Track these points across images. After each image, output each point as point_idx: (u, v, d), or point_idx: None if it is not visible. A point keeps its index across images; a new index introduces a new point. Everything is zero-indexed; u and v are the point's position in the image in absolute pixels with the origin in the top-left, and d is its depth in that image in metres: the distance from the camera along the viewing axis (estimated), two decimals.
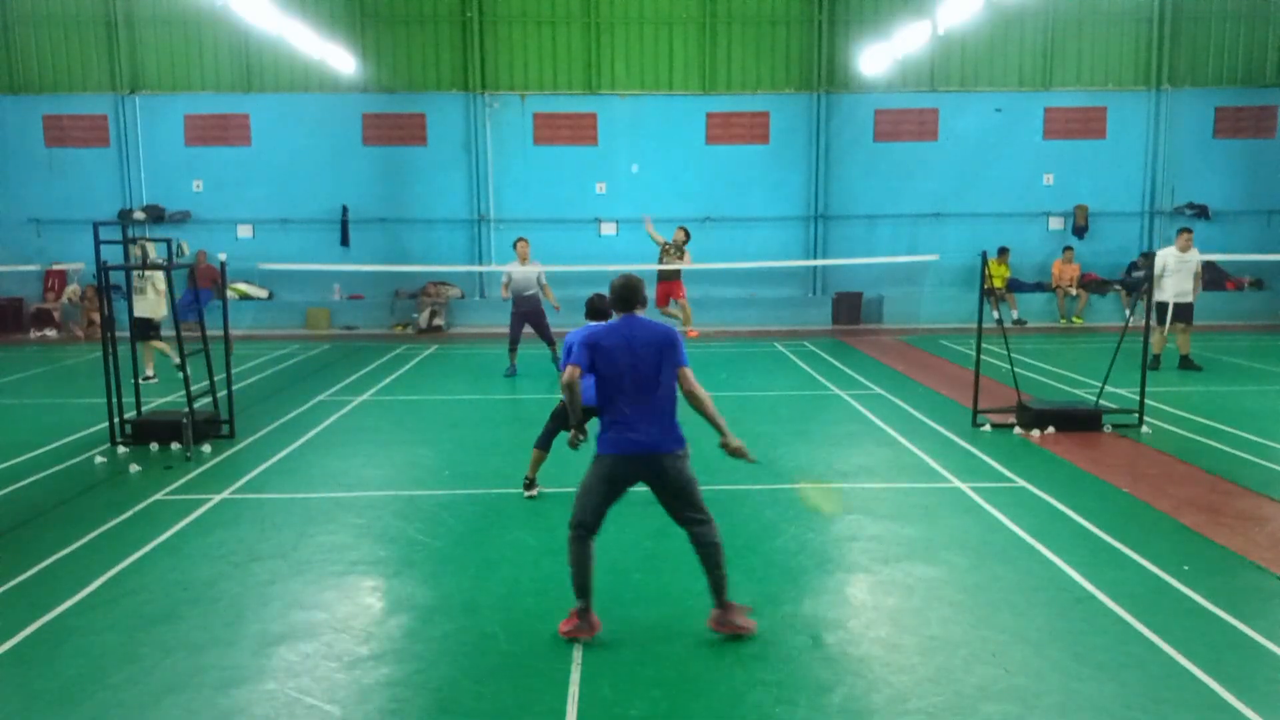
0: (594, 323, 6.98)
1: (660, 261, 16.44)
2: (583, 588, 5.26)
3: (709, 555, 5.32)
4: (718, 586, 5.31)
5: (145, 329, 12.36)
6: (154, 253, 11.73)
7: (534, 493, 7.94)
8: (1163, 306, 13.53)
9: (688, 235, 16.89)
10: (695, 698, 4.69)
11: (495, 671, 4.97)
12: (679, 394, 5.30)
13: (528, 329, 14.21)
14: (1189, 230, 13.81)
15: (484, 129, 21.23)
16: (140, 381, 11.47)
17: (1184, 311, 13.60)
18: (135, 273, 11.99)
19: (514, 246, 14.41)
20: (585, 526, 5.26)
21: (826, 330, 20.12)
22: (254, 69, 21.08)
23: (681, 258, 16.55)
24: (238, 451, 9.66)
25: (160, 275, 12.02)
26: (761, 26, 21.27)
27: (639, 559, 6.56)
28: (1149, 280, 11.50)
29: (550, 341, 14.02)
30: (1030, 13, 20.94)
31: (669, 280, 16.67)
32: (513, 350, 14.20)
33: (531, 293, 14.00)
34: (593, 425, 5.62)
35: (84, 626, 5.51)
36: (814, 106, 21.32)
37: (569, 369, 5.27)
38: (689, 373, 5.27)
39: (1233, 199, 21.69)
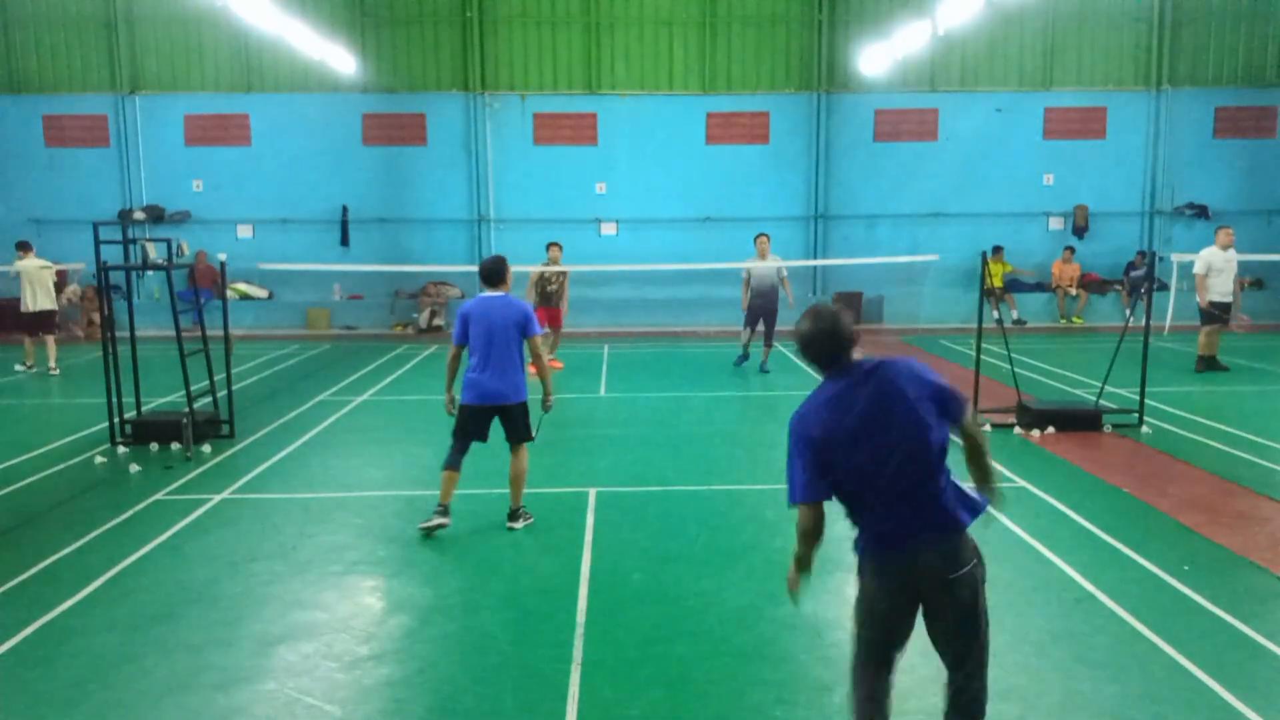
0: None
1: (546, 288, 14.39)
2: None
3: None
4: None
5: (37, 322, 14.64)
6: (154, 253, 11.74)
7: (444, 521, 6.96)
8: (1222, 307, 13.50)
9: (561, 250, 14.80)
10: (695, 698, 4.69)
11: (495, 671, 4.97)
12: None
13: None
14: (1229, 227, 13.73)
15: (484, 129, 21.22)
16: (19, 368, 14.68)
17: (1225, 310, 13.58)
18: (41, 269, 14.58)
19: (755, 241, 14.40)
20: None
21: None
22: (254, 69, 21.07)
23: (562, 283, 14.57)
24: (238, 451, 9.66)
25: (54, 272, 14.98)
26: (761, 26, 21.27)
27: (639, 559, 6.56)
28: (1150, 278, 11.48)
29: (769, 343, 14.25)
30: (1030, 13, 20.93)
31: (551, 308, 14.39)
32: (746, 342, 14.53)
33: (770, 286, 14.09)
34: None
35: (84, 626, 5.51)
36: (814, 106, 21.31)
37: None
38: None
39: (1233, 199, 21.68)
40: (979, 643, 3.71)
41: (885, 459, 3.39)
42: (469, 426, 7.04)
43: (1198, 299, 13.65)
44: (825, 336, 3.57)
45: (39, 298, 14.63)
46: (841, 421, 3.43)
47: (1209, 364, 13.76)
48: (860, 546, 3.61)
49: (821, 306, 3.68)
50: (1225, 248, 13.52)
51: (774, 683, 4.82)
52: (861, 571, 3.63)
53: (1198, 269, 13.64)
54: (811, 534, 3.56)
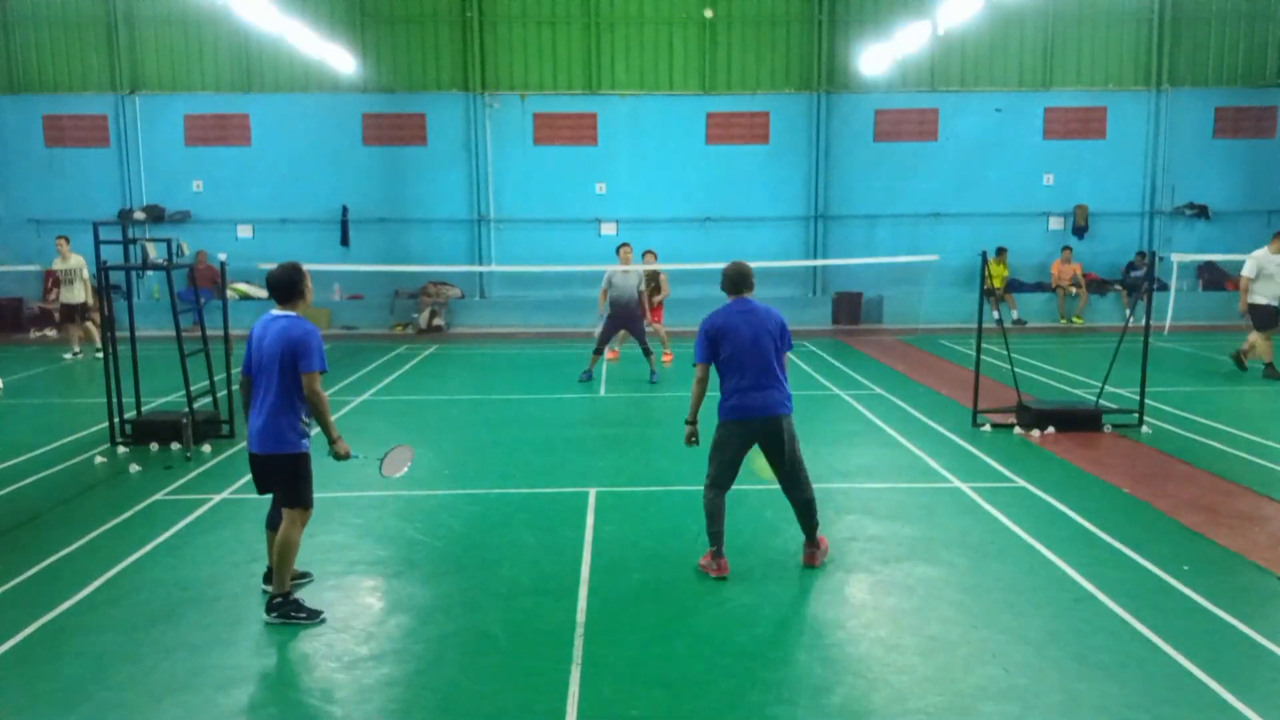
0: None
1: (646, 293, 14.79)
2: None
3: None
4: None
5: (73, 313, 16.07)
6: (154, 253, 11.75)
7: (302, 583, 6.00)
8: (1267, 311, 13.14)
9: (655, 257, 15.44)
10: (695, 698, 4.69)
11: (495, 671, 4.97)
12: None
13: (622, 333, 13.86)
14: None
15: (484, 129, 21.22)
16: (68, 356, 16.16)
17: (1271, 315, 13.19)
18: (65, 266, 15.91)
19: (616, 251, 13.92)
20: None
21: (826, 330, 20.12)
22: (254, 69, 21.07)
23: (659, 288, 15.26)
24: (238, 451, 9.65)
25: (86, 268, 15.75)
26: (761, 26, 21.27)
27: (639, 559, 6.56)
28: (1150, 278, 11.48)
29: (646, 350, 13.51)
30: (1030, 13, 20.93)
31: (655, 306, 15.35)
32: (598, 353, 13.57)
33: (630, 296, 13.39)
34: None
35: (84, 626, 5.51)
36: (814, 106, 21.31)
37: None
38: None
39: (1233, 199, 21.69)
40: (797, 471, 6.22)
41: (752, 348, 6.01)
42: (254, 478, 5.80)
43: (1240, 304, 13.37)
44: (741, 279, 6.23)
45: (80, 289, 16.06)
46: (734, 322, 6.07)
47: (1274, 371, 13.28)
48: (722, 405, 6.12)
49: (741, 263, 6.30)
50: (1277, 251, 13.17)
51: (774, 683, 4.83)
52: (721, 417, 6.13)
53: (1246, 270, 13.33)
54: (703, 382, 6.18)
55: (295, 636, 5.37)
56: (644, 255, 15.07)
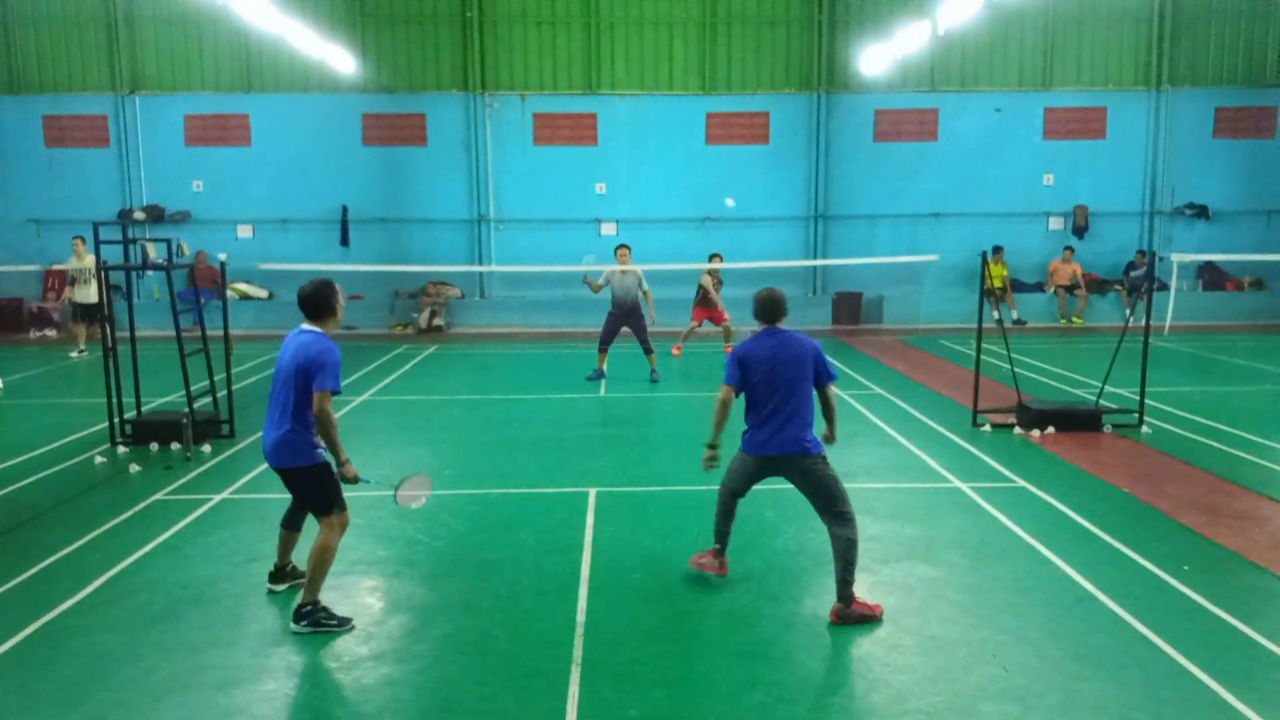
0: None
1: (708, 294, 15.53)
2: None
3: None
4: None
5: (88, 312, 16.34)
6: (154, 253, 11.76)
7: (283, 587, 6.03)
8: None
9: (721, 259, 15.88)
10: (695, 698, 4.69)
11: (495, 671, 4.97)
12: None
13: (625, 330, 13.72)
14: None
15: (484, 129, 21.21)
16: (74, 354, 16.53)
17: None
18: (80, 265, 16.06)
19: (614, 252, 13.92)
20: None
21: (827, 330, 20.11)
22: (254, 69, 21.06)
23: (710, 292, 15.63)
24: (238, 451, 9.66)
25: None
26: (761, 26, 21.26)
27: (639, 559, 6.56)
28: (1150, 278, 11.47)
29: (648, 349, 13.59)
30: (1030, 13, 20.92)
31: (711, 308, 15.65)
32: (602, 351, 13.83)
33: (631, 298, 13.54)
34: None
35: (84, 626, 5.51)
36: (814, 106, 21.30)
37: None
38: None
39: (1233, 199, 21.68)
40: (830, 504, 5.68)
41: (768, 382, 5.75)
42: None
43: None
44: (774, 306, 5.96)
45: (95, 289, 15.89)
46: (762, 352, 5.82)
47: None
48: (745, 434, 5.89)
49: (775, 289, 6.02)
50: None
51: (774, 683, 4.83)
52: (743, 445, 5.91)
53: None
54: (726, 403, 5.93)
55: (295, 637, 5.37)
56: (710, 258, 15.60)
